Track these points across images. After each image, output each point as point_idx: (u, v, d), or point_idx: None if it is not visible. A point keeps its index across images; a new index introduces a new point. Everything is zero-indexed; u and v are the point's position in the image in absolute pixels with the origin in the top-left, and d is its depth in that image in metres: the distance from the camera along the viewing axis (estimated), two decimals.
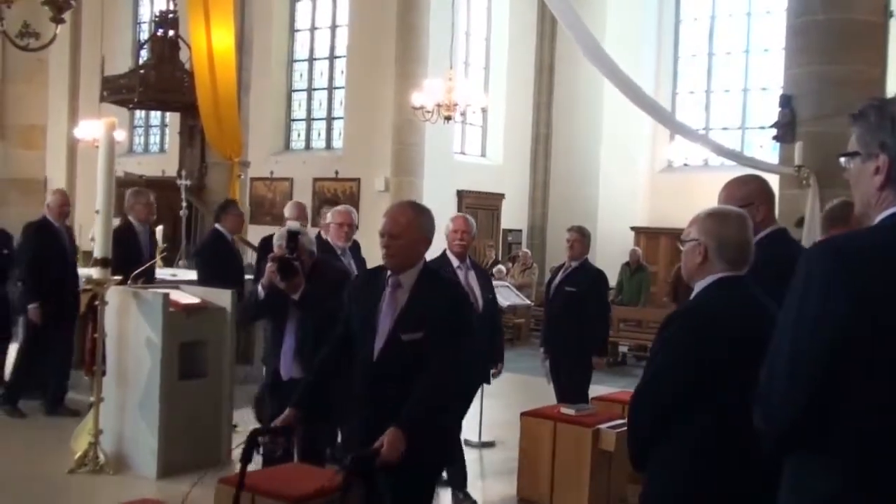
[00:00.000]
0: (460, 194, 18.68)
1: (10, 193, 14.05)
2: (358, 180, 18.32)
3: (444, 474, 5.66)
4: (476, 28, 19.68)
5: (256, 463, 3.65)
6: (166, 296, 6.08)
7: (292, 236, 4.67)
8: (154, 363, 5.97)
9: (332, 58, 19.96)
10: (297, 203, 7.18)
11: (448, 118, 13.80)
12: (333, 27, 19.91)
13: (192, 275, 8.16)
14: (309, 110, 20.38)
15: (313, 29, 20.33)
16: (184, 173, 14.26)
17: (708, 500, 2.73)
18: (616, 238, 17.18)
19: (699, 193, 15.74)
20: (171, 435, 5.88)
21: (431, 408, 3.34)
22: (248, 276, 7.84)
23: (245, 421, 6.51)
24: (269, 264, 4.74)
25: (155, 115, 22.85)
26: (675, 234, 17.48)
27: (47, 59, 14.75)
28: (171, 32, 14.97)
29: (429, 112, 13.71)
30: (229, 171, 14.21)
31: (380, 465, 3.19)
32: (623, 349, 13.76)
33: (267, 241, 6.86)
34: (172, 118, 19.79)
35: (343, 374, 3.66)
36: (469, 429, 7.34)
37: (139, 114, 22.59)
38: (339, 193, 18.33)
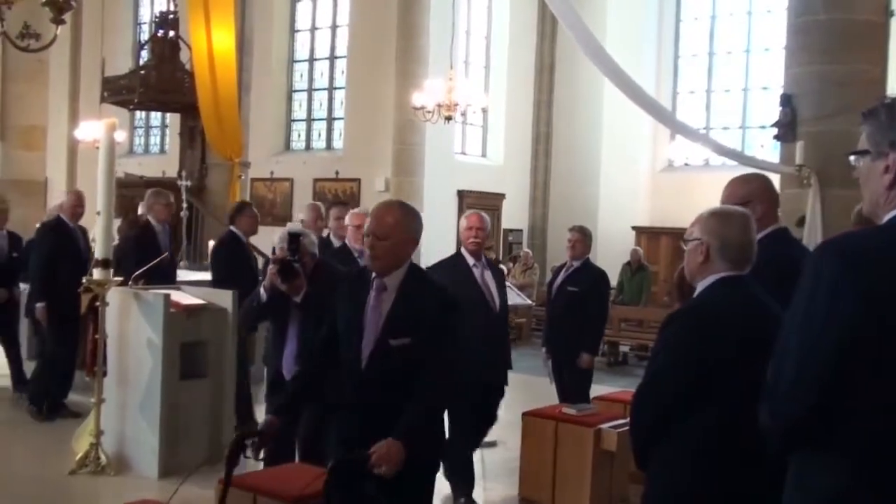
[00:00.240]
0: (461, 194, 18.67)
1: (10, 194, 14.01)
2: (358, 181, 18.31)
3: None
4: (476, 28, 19.67)
5: (253, 464, 3.64)
6: (167, 296, 6.08)
7: (293, 238, 4.65)
8: (155, 364, 5.96)
9: (332, 58, 19.95)
10: (313, 205, 7.09)
11: (448, 118, 13.81)
12: (334, 27, 19.90)
13: (198, 276, 8.18)
14: (309, 110, 20.37)
15: (314, 29, 20.32)
16: (184, 174, 14.28)
17: (709, 500, 2.73)
18: (617, 238, 17.17)
19: (700, 193, 15.78)
20: (173, 435, 5.88)
21: (430, 418, 3.30)
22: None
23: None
24: (270, 266, 4.73)
25: (155, 116, 22.85)
26: (676, 234, 17.57)
27: (48, 60, 14.79)
28: (171, 33, 15.00)
29: (429, 112, 13.72)
30: (230, 172, 14.23)
31: (375, 475, 3.14)
32: (624, 349, 13.76)
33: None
34: (173, 119, 19.79)
35: (328, 379, 3.62)
36: None
37: (139, 115, 22.58)
38: (339, 194, 18.32)
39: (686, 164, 18.72)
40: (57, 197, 20.59)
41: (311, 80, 20.35)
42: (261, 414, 6.47)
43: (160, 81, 14.62)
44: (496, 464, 6.84)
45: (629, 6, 19.04)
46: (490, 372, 5.69)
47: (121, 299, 6.14)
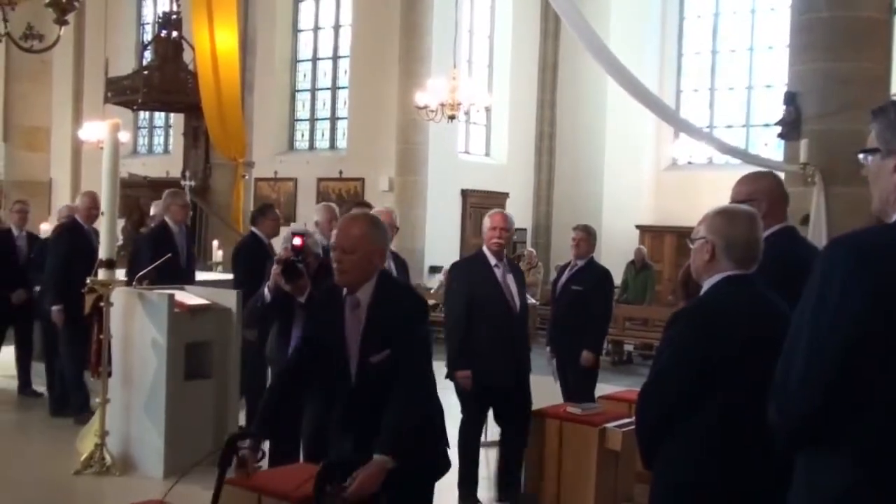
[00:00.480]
0: (464, 193, 18.67)
1: (14, 195, 14.07)
2: (362, 180, 18.31)
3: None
4: (479, 27, 19.66)
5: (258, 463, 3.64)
6: (171, 297, 6.08)
7: (298, 238, 4.65)
8: (160, 364, 5.97)
9: (335, 58, 19.95)
10: (327, 205, 6.95)
11: (452, 117, 13.81)
12: (337, 27, 19.90)
13: (202, 276, 8.16)
14: (313, 110, 20.38)
15: (316, 29, 20.33)
16: (188, 174, 14.28)
17: (714, 498, 2.73)
18: (621, 236, 17.16)
19: (704, 191, 15.81)
20: (177, 435, 5.88)
21: (407, 432, 3.24)
22: None
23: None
24: (274, 267, 4.73)
25: (159, 116, 22.87)
26: (679, 233, 17.56)
27: (51, 61, 14.81)
28: (174, 33, 14.99)
29: (432, 111, 13.72)
30: (233, 172, 14.23)
31: (355, 495, 3.14)
32: (629, 348, 13.74)
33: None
34: (176, 119, 19.80)
35: (303, 395, 3.62)
36: None
37: (143, 115, 22.60)
38: (343, 193, 18.33)
39: (690, 163, 18.70)
40: (61, 197, 20.69)
41: (314, 79, 20.36)
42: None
43: (163, 82, 14.62)
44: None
45: (632, 4, 19.02)
46: (508, 374, 5.64)
47: (125, 300, 6.14)
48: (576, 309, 6.93)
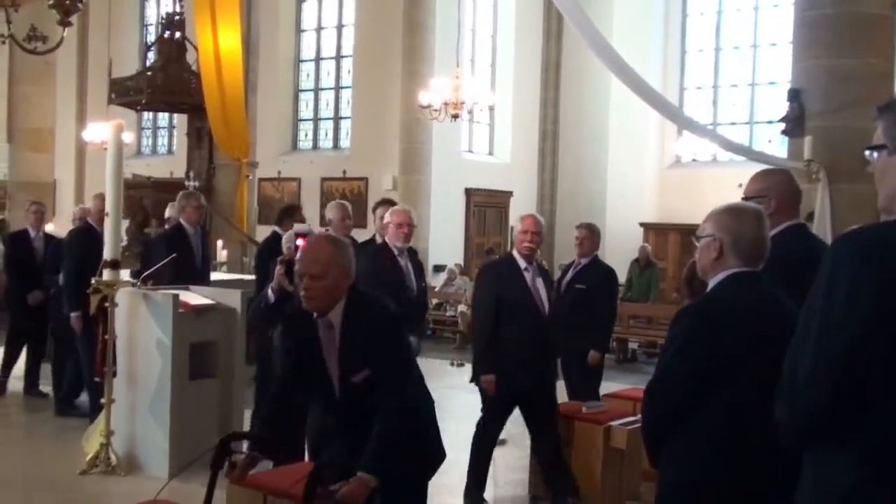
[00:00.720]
0: (468, 192, 18.67)
1: (19, 196, 14.10)
2: (366, 179, 18.32)
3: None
4: (482, 26, 19.66)
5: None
6: (176, 297, 6.09)
7: (301, 238, 4.64)
8: (164, 364, 5.97)
9: (338, 57, 19.97)
10: (340, 203, 6.85)
11: (455, 116, 13.81)
12: (340, 27, 19.91)
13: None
14: (316, 110, 20.39)
15: (319, 29, 20.34)
16: (192, 174, 14.29)
17: (719, 496, 2.72)
18: (624, 234, 17.14)
19: (708, 189, 15.80)
20: (182, 435, 5.88)
21: (390, 450, 3.25)
22: None
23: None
24: (277, 267, 4.73)
25: (163, 117, 22.91)
26: (683, 230, 17.51)
27: (55, 62, 14.80)
28: (177, 34, 14.99)
29: (436, 110, 13.72)
30: (237, 172, 14.24)
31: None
32: (633, 346, 13.73)
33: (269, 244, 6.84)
34: (180, 120, 19.82)
35: (294, 413, 3.62)
36: None
37: (147, 116, 22.64)
38: (346, 193, 18.33)
39: (693, 160, 18.68)
40: (65, 198, 20.72)
41: (317, 79, 20.37)
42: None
43: (167, 82, 14.62)
44: (506, 462, 6.82)
45: (635, 2, 19.01)
46: (535, 378, 5.58)
47: (130, 300, 6.15)
48: (579, 307, 6.91)
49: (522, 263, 5.61)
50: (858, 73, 8.17)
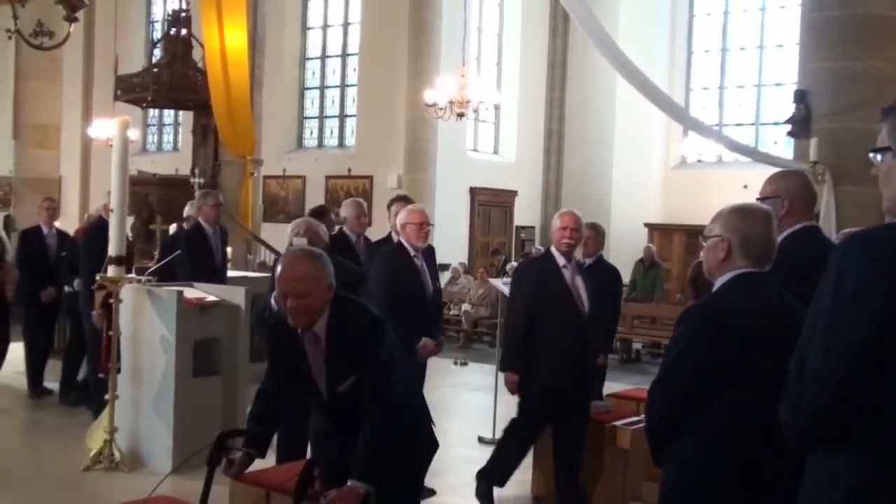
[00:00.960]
0: (473, 191, 18.68)
1: (24, 192, 14.13)
2: (371, 178, 18.33)
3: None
4: (488, 25, 19.66)
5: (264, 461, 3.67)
6: (180, 293, 6.10)
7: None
8: (168, 361, 5.98)
9: (344, 55, 19.98)
10: (355, 201, 6.74)
11: (461, 115, 13.80)
12: (346, 25, 19.92)
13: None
14: (321, 108, 20.41)
15: (325, 27, 20.35)
16: (197, 171, 14.26)
17: (722, 497, 2.71)
18: (629, 234, 17.14)
19: (713, 190, 15.79)
20: (186, 432, 5.89)
21: (380, 455, 3.23)
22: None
23: None
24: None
25: (168, 114, 22.93)
26: (688, 231, 17.50)
27: (61, 59, 14.83)
28: (183, 31, 14.99)
29: (441, 109, 13.71)
30: (242, 170, 14.24)
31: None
32: (637, 346, 13.72)
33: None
34: (185, 117, 19.85)
35: (286, 413, 3.64)
36: (483, 426, 7.34)
37: (152, 112, 22.66)
38: (351, 191, 18.33)
39: (699, 161, 18.66)
40: (71, 194, 20.76)
41: (323, 77, 20.39)
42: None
43: (173, 79, 14.61)
44: None
45: (642, 2, 19.01)
46: (574, 378, 5.37)
47: (134, 296, 6.16)
48: None
49: (561, 261, 5.41)
50: (865, 75, 8.15)
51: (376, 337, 3.33)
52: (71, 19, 6.71)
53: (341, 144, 19.92)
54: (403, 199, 6.51)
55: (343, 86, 20.01)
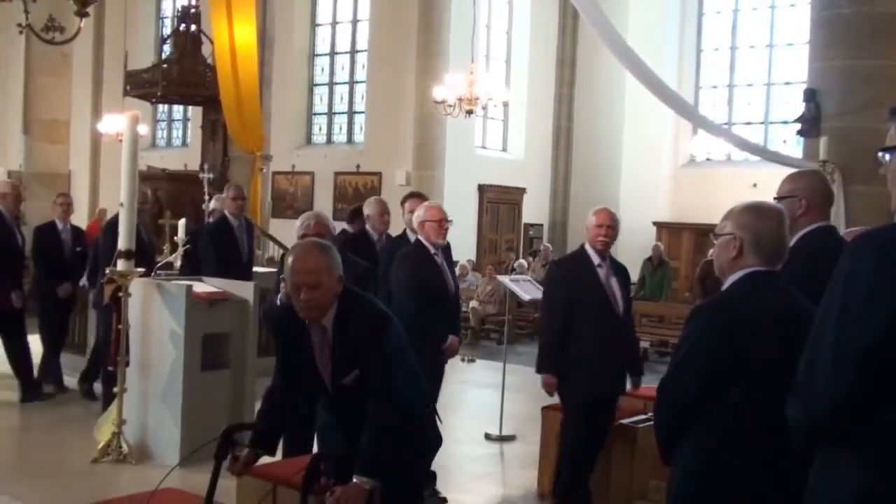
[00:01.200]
0: (481, 188, 18.68)
1: (34, 187, 14.18)
2: (379, 174, 18.35)
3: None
4: (497, 22, 19.65)
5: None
6: (189, 287, 6.12)
7: None
8: (177, 354, 6.00)
9: (353, 52, 19.99)
10: (378, 199, 6.69)
11: (469, 112, 13.80)
12: (355, 21, 19.94)
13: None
14: (330, 104, 20.43)
15: (335, 23, 20.37)
16: (206, 167, 14.28)
17: (730, 495, 2.71)
18: (638, 233, 17.09)
19: (722, 188, 15.77)
20: (194, 425, 5.90)
21: (384, 451, 3.24)
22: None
23: None
24: (282, 284, 4.82)
25: (177, 110, 22.98)
26: (697, 229, 17.49)
27: (71, 54, 14.90)
28: (193, 27, 15.03)
29: (450, 106, 13.71)
30: (251, 165, 14.26)
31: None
32: (645, 345, 13.69)
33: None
34: (195, 112, 19.87)
35: (294, 411, 3.64)
36: (489, 422, 7.35)
37: (162, 108, 22.73)
38: (360, 188, 18.35)
39: (708, 160, 18.63)
40: (80, 189, 20.80)
41: (332, 73, 20.41)
42: None
43: (182, 75, 14.65)
44: (515, 457, 6.84)
45: (651, 0, 18.95)
46: (610, 380, 5.30)
47: (143, 290, 6.18)
48: None
49: (596, 259, 5.25)
50: (875, 74, 8.14)
51: (383, 331, 3.33)
52: (82, 14, 6.73)
53: (350, 141, 19.95)
54: (417, 196, 6.43)
55: (352, 82, 20.04)
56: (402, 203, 6.41)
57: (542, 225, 20.26)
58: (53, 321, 8.28)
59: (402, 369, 3.41)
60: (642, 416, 5.67)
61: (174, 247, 8.42)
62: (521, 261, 16.38)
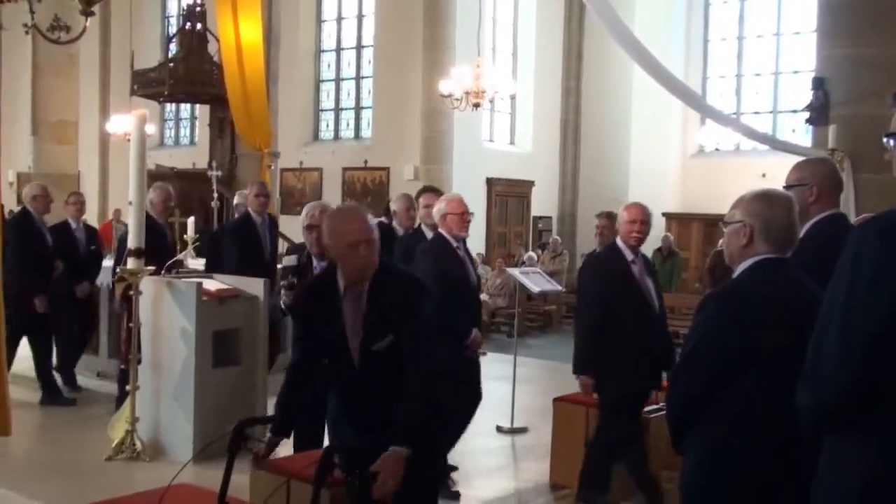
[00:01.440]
0: (490, 182, 18.66)
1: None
2: (387, 169, 18.35)
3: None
4: (503, 14, 19.61)
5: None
6: (199, 285, 6.13)
7: (294, 270, 4.97)
8: (188, 352, 6.02)
9: (359, 47, 19.99)
10: (405, 195, 6.64)
11: (476, 105, 13.78)
12: (360, 17, 19.93)
13: None
14: (337, 100, 20.44)
15: (340, 19, 20.37)
16: (214, 165, 14.34)
17: (741, 482, 2.71)
18: None
19: (731, 178, 15.72)
20: (206, 422, 5.93)
21: (421, 410, 3.26)
22: None
23: None
24: (285, 291, 4.96)
25: (185, 108, 23.03)
26: (706, 220, 17.44)
27: (78, 55, 14.92)
28: (199, 25, 15.07)
29: (457, 100, 13.70)
30: (259, 162, 14.28)
31: (381, 493, 3.16)
32: None
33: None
34: (202, 110, 19.92)
35: (314, 392, 3.64)
36: (501, 415, 7.35)
37: (169, 107, 22.78)
38: (368, 183, 18.36)
39: (717, 150, 18.59)
40: (89, 190, 20.85)
41: (338, 69, 20.41)
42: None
43: (189, 73, 14.70)
44: (527, 449, 6.85)
45: None
46: (647, 379, 5.21)
47: (154, 288, 6.20)
48: None
49: (629, 255, 5.15)
50: (883, 62, 8.09)
51: (418, 298, 3.37)
52: (87, 13, 6.73)
53: (357, 136, 19.95)
54: (432, 191, 6.41)
55: (358, 77, 20.03)
56: (417, 198, 6.39)
57: (550, 217, 20.24)
58: (71, 321, 8.30)
59: (435, 342, 3.43)
60: (654, 407, 5.66)
61: (184, 245, 8.45)
62: (531, 253, 16.38)
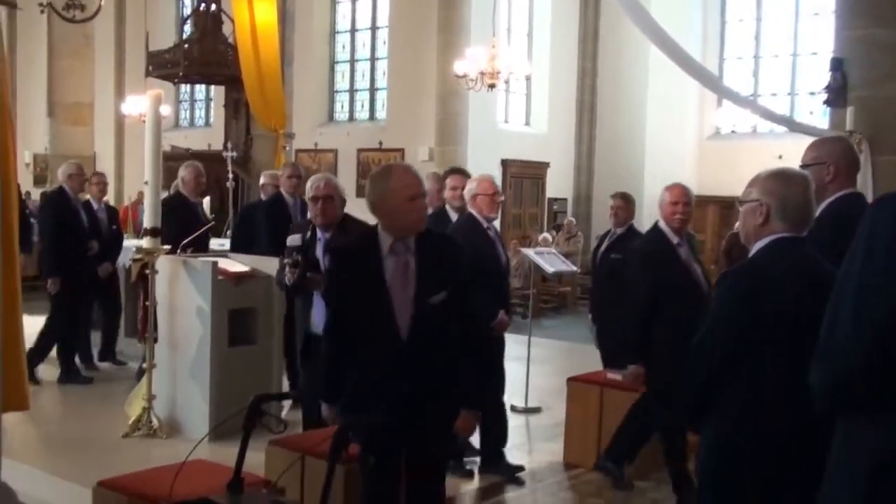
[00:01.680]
0: (505, 163, 18.62)
1: (59, 169, 14.28)
2: (402, 151, 18.33)
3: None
4: None
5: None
6: (215, 264, 6.16)
7: (296, 261, 4.99)
8: (204, 330, 6.06)
9: (373, 28, 19.93)
10: (434, 175, 6.57)
11: (492, 86, 13.75)
12: None
13: None
14: (352, 81, 20.41)
15: (354, 0, 20.31)
16: (229, 146, 14.40)
17: (756, 459, 2.71)
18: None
19: (747, 160, 15.60)
20: (222, 400, 5.97)
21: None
22: None
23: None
24: (289, 270, 5.02)
25: (200, 90, 23.05)
26: (723, 202, 17.36)
27: (93, 36, 14.98)
28: (213, 6, 15.09)
29: (472, 80, 13.67)
30: (274, 143, 14.32)
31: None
32: None
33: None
34: (217, 92, 19.95)
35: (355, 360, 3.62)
36: (515, 394, 7.38)
37: (184, 88, 22.80)
38: (383, 164, 18.33)
39: (733, 132, 18.47)
40: (105, 170, 20.92)
41: (353, 50, 20.37)
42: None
43: (203, 54, 14.74)
44: (541, 429, 6.88)
45: None
46: None
47: (170, 267, 6.23)
48: (615, 277, 6.88)
49: (675, 238, 5.02)
50: None
51: (462, 256, 3.53)
52: None
53: (372, 118, 19.94)
54: (459, 172, 6.35)
55: (373, 59, 19.99)
56: (444, 179, 6.33)
57: (566, 199, 20.19)
58: (93, 301, 8.35)
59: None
60: None
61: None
62: (546, 234, 16.37)
